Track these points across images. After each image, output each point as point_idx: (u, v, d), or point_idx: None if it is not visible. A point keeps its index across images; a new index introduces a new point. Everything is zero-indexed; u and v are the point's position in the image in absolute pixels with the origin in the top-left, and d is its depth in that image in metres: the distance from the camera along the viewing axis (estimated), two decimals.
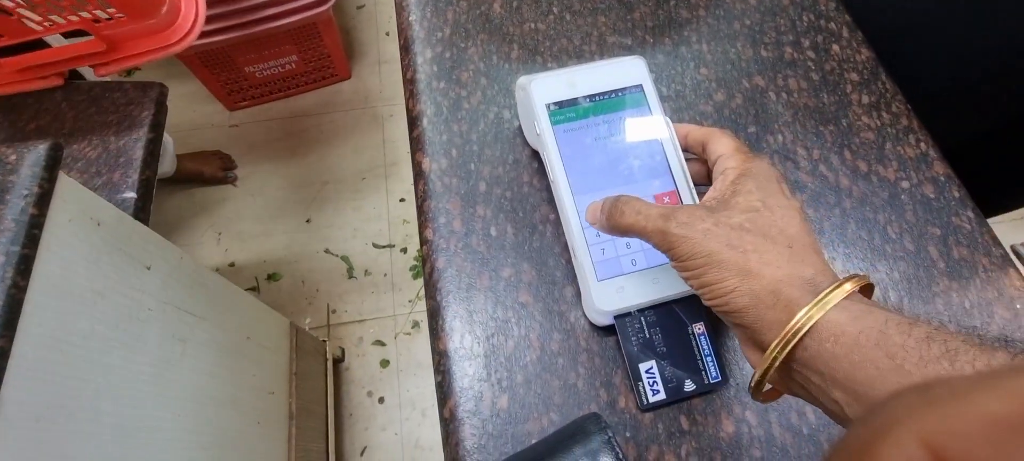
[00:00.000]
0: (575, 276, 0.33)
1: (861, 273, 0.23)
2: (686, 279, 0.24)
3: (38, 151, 0.38)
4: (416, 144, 0.38)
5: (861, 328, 0.20)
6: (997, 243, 0.36)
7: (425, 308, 1.11)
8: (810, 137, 0.39)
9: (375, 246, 1.19)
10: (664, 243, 0.24)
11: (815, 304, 0.21)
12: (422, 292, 1.14)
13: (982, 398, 0.09)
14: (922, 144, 0.39)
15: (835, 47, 0.43)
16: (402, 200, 1.24)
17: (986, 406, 0.08)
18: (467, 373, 0.31)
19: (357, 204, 1.23)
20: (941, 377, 0.11)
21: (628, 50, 0.42)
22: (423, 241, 0.35)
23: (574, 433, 0.26)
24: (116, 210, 0.47)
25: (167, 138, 1.08)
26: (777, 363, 0.21)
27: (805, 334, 0.20)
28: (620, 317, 0.30)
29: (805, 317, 0.20)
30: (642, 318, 0.30)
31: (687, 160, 0.32)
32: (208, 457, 0.56)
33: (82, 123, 0.54)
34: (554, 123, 0.32)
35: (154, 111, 0.56)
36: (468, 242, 0.34)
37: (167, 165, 1.10)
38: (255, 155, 1.29)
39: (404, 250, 1.18)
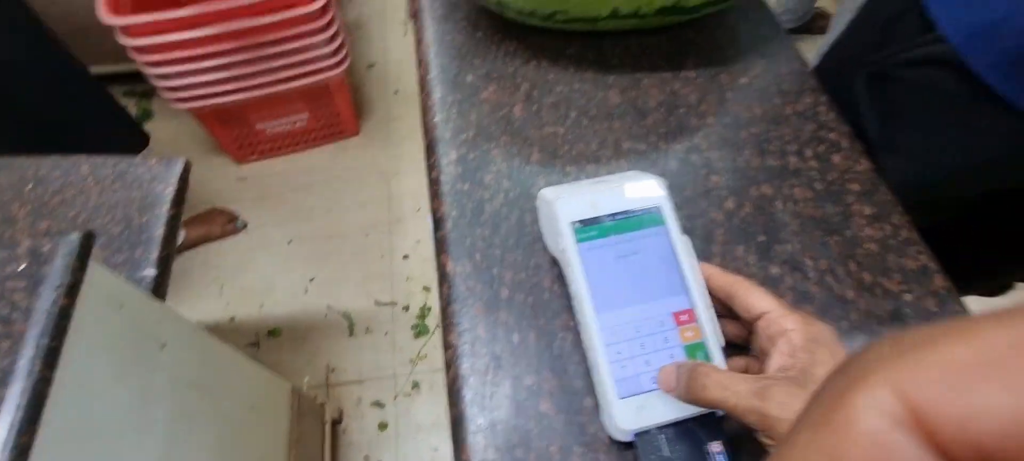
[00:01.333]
0: (593, 386, 0.34)
1: None
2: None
3: (72, 241, 0.39)
4: (441, 246, 0.40)
5: None
6: None
7: (427, 369, 1.10)
8: (817, 247, 0.41)
9: (377, 303, 1.19)
10: (761, 424, 0.24)
11: None
12: (423, 352, 1.14)
13: (946, 344, 0.09)
14: (922, 256, 0.41)
15: (836, 157, 0.46)
16: (405, 257, 1.25)
17: (949, 351, 0.09)
18: None
19: (360, 260, 1.24)
20: (912, 329, 0.11)
21: (642, 156, 0.45)
22: (446, 346, 0.36)
23: None
24: (137, 291, 0.47)
25: None
26: None
27: None
28: (640, 434, 0.31)
29: None
30: (661, 435, 0.31)
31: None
32: None
33: (106, 198, 0.56)
34: (578, 241, 0.34)
35: (177, 187, 0.57)
36: (491, 349, 0.35)
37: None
38: (261, 208, 1.31)
39: (406, 308, 1.19)
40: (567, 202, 0.34)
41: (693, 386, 0.27)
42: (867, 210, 0.43)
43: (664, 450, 0.31)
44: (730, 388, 0.26)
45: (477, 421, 0.33)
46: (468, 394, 0.34)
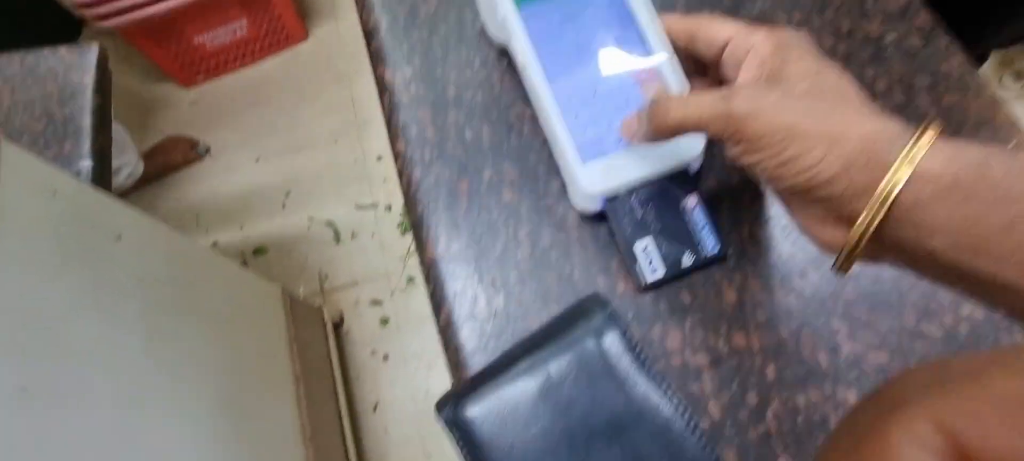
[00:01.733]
0: (559, 169, 0.31)
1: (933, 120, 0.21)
2: (756, 162, 0.22)
3: None
4: (376, 57, 0.36)
5: (958, 167, 0.18)
6: (986, 86, 0.35)
7: (418, 260, 1.10)
8: (788, 0, 0.37)
9: (359, 207, 1.16)
10: (728, 127, 0.22)
11: (907, 154, 0.19)
12: (413, 247, 1.13)
13: (996, 377, 0.08)
14: None
15: None
16: (379, 158, 1.21)
17: (1001, 386, 0.08)
18: (459, 277, 0.29)
19: (333, 168, 1.20)
20: (953, 357, 0.10)
21: None
22: (396, 155, 0.33)
23: (576, 314, 0.25)
24: (71, 178, 0.44)
25: (125, 138, 0.99)
26: (874, 226, 0.20)
27: (902, 188, 0.19)
28: (610, 200, 0.29)
29: (900, 170, 0.19)
30: (633, 197, 0.29)
31: None
32: (216, 422, 0.56)
33: (21, 95, 0.51)
34: (518, 4, 0.30)
35: (97, 75, 0.52)
36: (443, 149, 0.32)
37: (131, 168, 1.04)
38: (221, 130, 1.24)
39: (389, 208, 1.16)
40: None
41: (656, 114, 0.24)
42: None
43: (637, 212, 0.29)
44: (692, 103, 0.23)
45: (437, 217, 0.31)
46: (425, 196, 0.31)
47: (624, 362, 0.24)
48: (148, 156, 1.13)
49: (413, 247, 1.13)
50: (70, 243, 0.42)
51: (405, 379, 1.04)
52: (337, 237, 1.15)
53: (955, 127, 0.34)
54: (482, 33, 0.36)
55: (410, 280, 1.11)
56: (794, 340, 0.28)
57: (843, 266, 0.22)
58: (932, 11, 0.37)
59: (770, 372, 0.28)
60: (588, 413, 0.23)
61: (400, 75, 0.34)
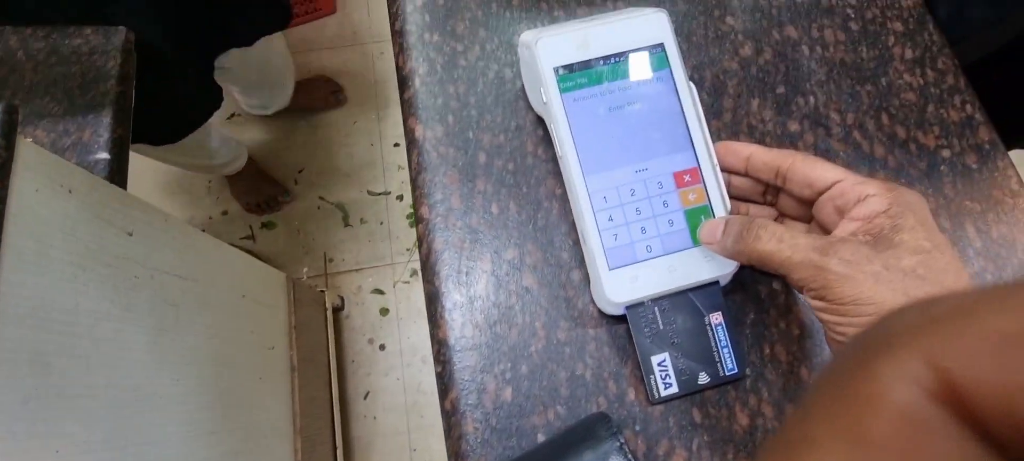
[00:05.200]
0: (583, 257, 0.30)
1: None
2: (834, 324, 0.21)
3: None
4: (408, 107, 0.34)
5: None
6: None
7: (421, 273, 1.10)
8: (845, 98, 0.35)
9: (370, 193, 1.15)
10: (817, 280, 0.21)
11: None
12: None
13: (987, 314, 0.08)
14: (968, 106, 0.35)
15: None
16: (396, 145, 1.19)
17: (993, 322, 0.08)
18: (468, 365, 0.29)
19: (349, 150, 1.19)
20: (944, 294, 0.09)
21: None
22: (418, 219, 0.32)
23: (584, 436, 0.24)
24: (88, 175, 0.43)
25: (287, 67, 1.01)
26: None
27: None
28: (632, 307, 0.28)
29: None
30: (656, 308, 0.28)
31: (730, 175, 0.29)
32: (211, 416, 0.56)
33: (43, 75, 0.50)
34: (563, 90, 0.28)
35: (121, 61, 0.51)
36: (467, 221, 0.31)
37: (284, 101, 1.06)
38: (237, 100, 1.23)
39: (400, 197, 1.15)
40: (550, 44, 0.28)
41: (746, 237, 0.23)
42: (909, 53, 0.36)
43: (659, 322, 0.28)
44: (786, 240, 0.22)
45: (453, 297, 0.30)
46: (443, 269, 0.30)
47: None
48: (296, 88, 1.12)
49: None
50: (85, 242, 0.42)
51: (399, 370, 1.05)
52: (346, 220, 1.14)
53: (1001, 263, 0.32)
54: (521, 93, 0.34)
55: (414, 273, 1.11)
56: None
57: None
58: (991, 130, 0.35)
59: None
60: None
61: (431, 133, 0.33)
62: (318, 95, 1.16)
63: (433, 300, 0.30)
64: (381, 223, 1.14)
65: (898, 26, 0.37)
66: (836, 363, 0.10)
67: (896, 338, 0.09)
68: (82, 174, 0.43)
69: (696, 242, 0.28)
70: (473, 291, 0.30)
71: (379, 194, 1.15)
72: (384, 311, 1.08)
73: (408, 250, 1.12)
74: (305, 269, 1.10)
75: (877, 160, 0.34)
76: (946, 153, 0.34)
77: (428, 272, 0.31)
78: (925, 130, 0.35)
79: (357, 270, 1.11)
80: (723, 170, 0.29)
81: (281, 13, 0.86)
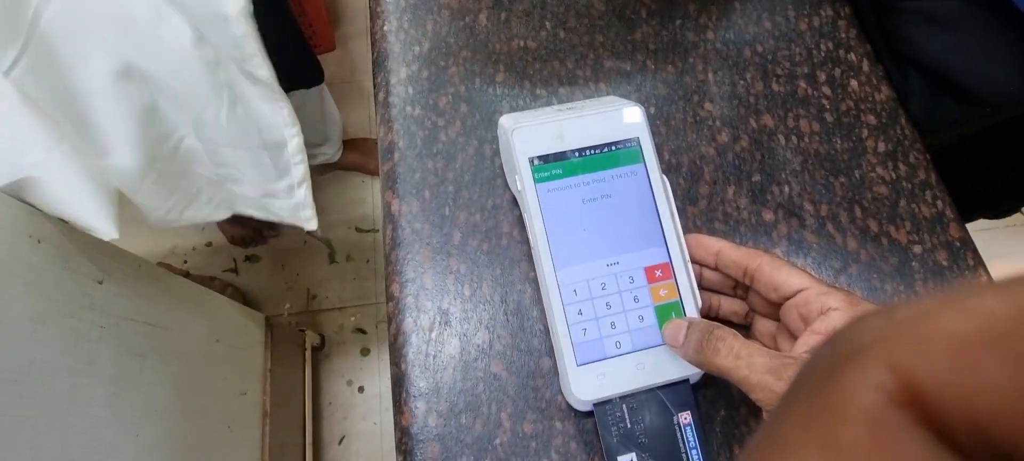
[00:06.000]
0: (553, 349, 0.30)
1: None
2: None
3: None
4: (387, 180, 0.34)
5: None
6: None
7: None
8: (819, 189, 0.36)
9: (358, 230, 1.15)
10: (773, 403, 0.21)
11: None
12: None
13: (945, 317, 0.08)
14: (939, 202, 0.36)
15: (854, 83, 0.39)
16: None
17: (950, 325, 0.08)
18: (430, 456, 0.28)
19: (339, 185, 1.19)
20: (906, 301, 0.10)
21: (626, 77, 0.38)
22: (389, 297, 0.32)
23: None
24: (59, 223, 0.43)
25: (335, 114, 0.98)
26: None
27: None
28: (600, 404, 0.27)
29: None
30: (624, 406, 0.27)
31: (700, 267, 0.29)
32: None
33: None
34: (538, 181, 0.28)
35: None
36: (438, 303, 0.31)
37: (331, 154, 1.02)
38: None
39: None
40: (527, 133, 0.29)
41: (705, 349, 0.23)
42: (882, 146, 0.37)
43: (626, 421, 0.27)
44: (744, 358, 0.22)
45: (418, 384, 0.29)
46: (409, 353, 0.30)
47: None
48: (348, 145, 1.11)
49: None
50: (48, 293, 0.41)
51: (377, 414, 1.02)
52: (331, 257, 1.13)
53: None
54: (499, 172, 0.34)
55: None
56: None
57: None
58: (962, 227, 0.35)
59: None
60: None
61: (406, 208, 0.33)
62: (371, 159, 1.13)
63: (399, 384, 0.30)
64: (367, 261, 1.13)
65: (871, 119, 0.38)
66: (807, 369, 0.10)
67: (862, 344, 0.09)
68: (53, 223, 0.42)
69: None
70: (440, 377, 0.29)
71: (367, 231, 1.15)
72: (365, 351, 1.06)
73: None
74: (287, 305, 1.09)
75: (850, 253, 0.34)
76: (917, 248, 0.34)
77: (395, 354, 0.30)
78: (897, 225, 0.35)
79: (340, 308, 1.09)
80: (694, 263, 0.29)
81: (312, 72, 0.85)
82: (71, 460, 0.41)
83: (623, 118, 0.29)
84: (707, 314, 0.29)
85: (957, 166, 0.41)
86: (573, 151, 0.29)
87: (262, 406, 0.75)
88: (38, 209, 0.41)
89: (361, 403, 1.03)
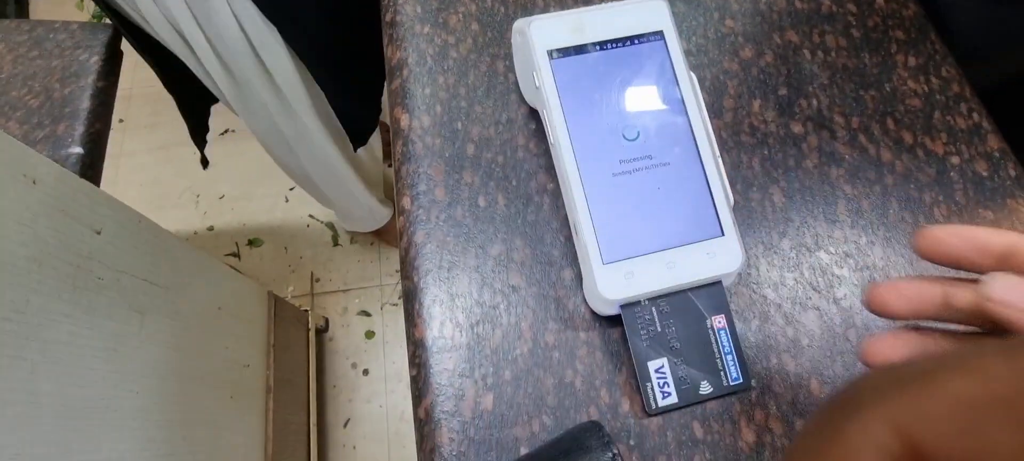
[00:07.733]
0: (576, 256, 0.28)
1: None
2: None
3: None
4: (395, 97, 0.33)
5: None
6: None
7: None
8: (849, 102, 0.34)
9: None
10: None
11: None
12: None
13: (949, 379, 0.08)
14: (975, 115, 0.34)
15: (879, 0, 0.37)
16: (390, 166, 1.18)
17: (954, 387, 0.08)
18: (446, 368, 0.26)
19: None
20: (910, 360, 0.10)
21: None
22: (400, 211, 0.30)
23: (572, 447, 0.22)
24: (55, 166, 0.41)
25: (371, 183, 0.92)
26: None
27: None
28: (627, 307, 0.26)
29: None
30: (653, 308, 0.26)
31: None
32: (172, 435, 0.52)
33: (22, 67, 0.48)
34: (557, 74, 0.27)
35: (104, 56, 0.49)
36: (452, 213, 0.29)
37: (379, 220, 0.98)
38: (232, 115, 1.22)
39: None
40: (544, 27, 0.27)
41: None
42: (912, 61, 0.36)
43: (656, 324, 0.26)
44: (969, 353, 0.14)
45: (433, 293, 0.27)
46: (423, 265, 0.28)
47: None
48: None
49: None
50: (44, 236, 0.39)
51: (382, 397, 1.00)
52: (335, 240, 1.12)
53: None
54: (514, 87, 0.33)
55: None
56: None
57: None
58: (1000, 138, 0.33)
59: None
60: None
61: (417, 123, 0.31)
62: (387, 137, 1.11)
63: (411, 297, 0.28)
64: (371, 244, 1.11)
65: (900, 34, 0.36)
66: (812, 423, 0.10)
67: (864, 403, 0.09)
68: (49, 165, 0.40)
69: (697, 236, 0.26)
70: (455, 288, 0.28)
71: None
72: (370, 334, 1.05)
73: (398, 271, 1.09)
74: (290, 288, 1.07)
75: (885, 165, 0.32)
76: (955, 159, 0.33)
77: (407, 268, 0.29)
78: (932, 136, 0.33)
79: (344, 291, 1.08)
80: (941, 263, 0.19)
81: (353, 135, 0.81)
82: (68, 408, 0.40)
83: (647, 11, 0.28)
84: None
85: (1018, 105, 0.36)
86: (594, 44, 0.27)
87: (265, 380, 0.73)
88: (32, 147, 0.39)
89: (366, 385, 1.01)
